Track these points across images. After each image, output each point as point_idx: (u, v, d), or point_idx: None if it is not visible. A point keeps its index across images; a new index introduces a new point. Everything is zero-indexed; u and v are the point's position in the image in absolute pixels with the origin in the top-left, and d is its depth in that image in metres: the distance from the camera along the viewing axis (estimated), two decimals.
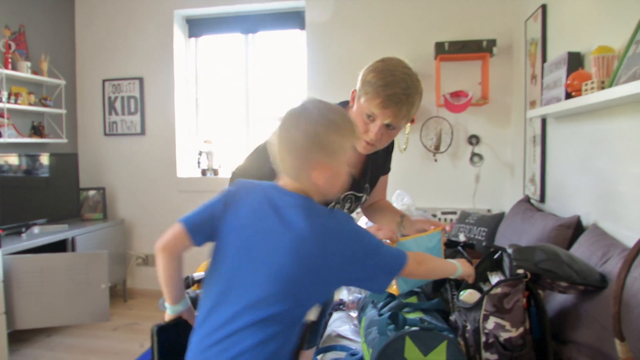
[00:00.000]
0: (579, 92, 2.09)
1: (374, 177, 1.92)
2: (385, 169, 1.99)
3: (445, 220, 3.80)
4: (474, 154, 3.85)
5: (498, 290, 1.43)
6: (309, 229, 1.17)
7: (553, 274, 1.46)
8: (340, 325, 2.29)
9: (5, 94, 3.61)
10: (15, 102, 3.75)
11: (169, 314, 1.40)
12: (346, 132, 1.24)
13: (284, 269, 1.16)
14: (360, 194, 1.87)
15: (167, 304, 1.38)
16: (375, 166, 1.89)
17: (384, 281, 1.24)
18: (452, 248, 2.10)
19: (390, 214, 1.96)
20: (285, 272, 1.16)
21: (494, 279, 1.58)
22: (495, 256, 1.68)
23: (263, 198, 1.26)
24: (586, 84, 1.99)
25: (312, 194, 1.26)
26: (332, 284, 1.26)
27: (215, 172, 4.43)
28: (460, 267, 1.48)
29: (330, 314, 2.41)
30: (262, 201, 1.25)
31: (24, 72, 3.82)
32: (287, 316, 1.17)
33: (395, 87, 1.48)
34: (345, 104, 1.77)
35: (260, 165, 1.89)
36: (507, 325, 1.43)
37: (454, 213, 3.78)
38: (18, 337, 3.50)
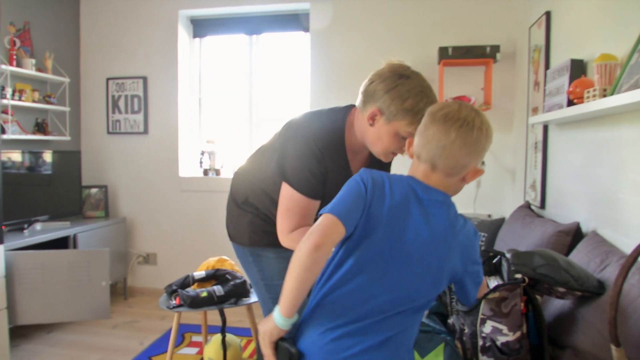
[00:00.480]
0: (581, 100, 2.10)
1: None
2: (386, 169, 2.00)
3: None
4: None
5: (496, 294, 1.45)
6: (453, 226, 1.28)
7: (551, 279, 1.47)
8: None
9: (9, 91, 3.62)
10: (20, 99, 3.77)
11: (282, 327, 1.22)
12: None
13: (434, 262, 1.25)
14: None
15: (281, 314, 1.21)
16: (376, 167, 1.92)
17: (473, 290, 1.37)
18: None
19: None
20: (432, 265, 1.25)
21: (492, 283, 1.59)
22: (494, 261, 1.69)
23: (408, 190, 1.29)
24: (588, 92, 2.00)
25: (450, 191, 1.34)
26: (448, 280, 1.32)
27: (217, 172, 4.44)
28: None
29: None
30: (408, 193, 1.28)
31: (29, 69, 3.84)
32: (427, 305, 1.30)
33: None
34: (347, 109, 1.78)
35: (262, 165, 1.91)
36: (505, 329, 1.44)
37: None
38: (19, 333, 3.52)
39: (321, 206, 1.75)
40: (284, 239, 1.72)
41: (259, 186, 1.91)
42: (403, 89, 1.55)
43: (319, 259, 1.18)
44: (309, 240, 1.17)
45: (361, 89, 1.67)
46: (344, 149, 1.74)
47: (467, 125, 1.25)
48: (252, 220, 1.95)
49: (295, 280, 1.17)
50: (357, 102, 1.71)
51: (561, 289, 1.49)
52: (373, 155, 1.80)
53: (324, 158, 1.68)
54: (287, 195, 1.70)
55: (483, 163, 3.79)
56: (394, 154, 1.69)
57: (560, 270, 1.49)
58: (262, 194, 1.90)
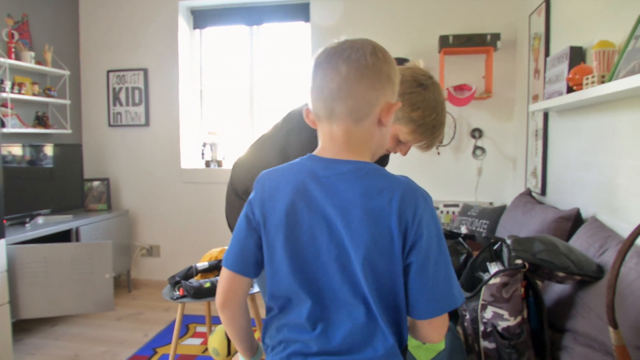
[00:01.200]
0: (580, 87, 2.11)
1: None
2: (384, 162, 2.01)
3: (447, 212, 3.82)
4: (476, 147, 3.86)
5: (497, 280, 1.46)
6: (368, 198, 1.01)
7: (551, 264, 1.48)
8: None
9: (8, 84, 3.62)
10: (19, 92, 3.77)
11: None
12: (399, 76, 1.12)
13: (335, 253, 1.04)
14: None
15: (243, 358, 1.26)
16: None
17: (429, 309, 1.01)
18: (453, 239, 2.13)
19: None
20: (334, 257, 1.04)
21: (493, 269, 1.60)
22: (495, 247, 1.70)
23: (304, 177, 1.07)
24: (587, 78, 2.00)
25: (370, 148, 1.10)
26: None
27: (219, 163, 4.45)
28: None
29: None
30: (303, 181, 1.07)
31: (28, 62, 3.83)
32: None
33: (442, 127, 1.58)
34: None
35: (263, 155, 1.91)
36: (506, 314, 1.45)
37: (456, 206, 3.80)
38: (22, 327, 3.54)
39: None
40: None
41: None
42: (417, 98, 1.52)
43: (232, 316, 1.17)
44: (217, 298, 1.16)
45: None
46: None
47: (357, 53, 1.03)
48: None
49: (230, 333, 1.21)
50: None
51: (561, 274, 1.50)
52: None
53: None
54: None
55: (483, 151, 3.80)
56: (388, 151, 1.69)
57: (560, 255, 1.50)
58: None
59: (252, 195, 1.14)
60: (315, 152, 1.11)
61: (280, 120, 1.89)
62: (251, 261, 1.13)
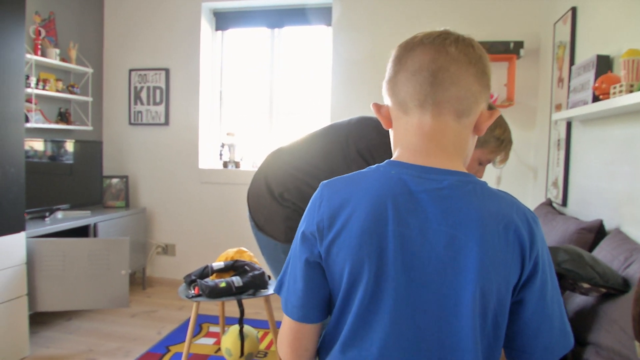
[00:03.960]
0: (606, 96, 2.07)
1: None
2: None
3: None
4: None
5: None
6: (494, 220, 0.82)
7: (576, 274, 1.45)
8: None
9: (34, 80, 3.67)
10: (44, 88, 3.81)
11: None
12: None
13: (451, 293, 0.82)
14: None
15: None
16: None
17: (546, 356, 0.83)
18: None
19: None
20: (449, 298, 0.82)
21: None
22: None
23: (391, 189, 0.84)
24: (614, 87, 1.97)
25: (466, 155, 0.91)
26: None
27: (237, 164, 4.46)
28: None
29: None
30: (387, 195, 0.83)
31: (53, 59, 3.88)
32: None
33: (511, 140, 1.68)
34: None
35: (309, 146, 1.83)
36: None
37: None
38: (39, 320, 3.57)
39: None
40: None
41: (303, 180, 1.79)
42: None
43: None
44: (280, 352, 0.96)
45: None
46: None
47: (465, 41, 0.87)
48: (289, 215, 1.83)
49: None
50: None
51: (586, 285, 1.47)
52: None
53: None
54: None
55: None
56: None
57: (586, 266, 1.47)
58: (307, 189, 1.78)
59: (315, 218, 0.89)
60: (396, 157, 0.90)
61: (345, 126, 1.81)
62: (317, 298, 0.91)
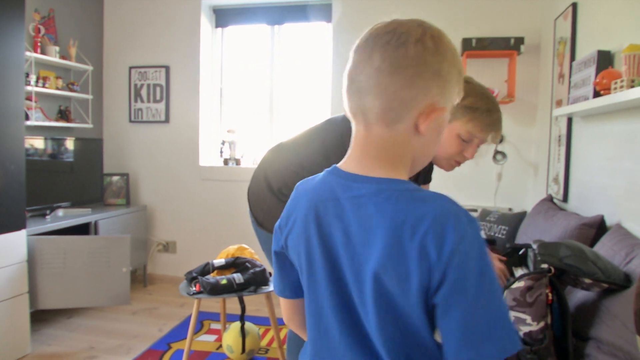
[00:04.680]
0: (607, 91, 2.07)
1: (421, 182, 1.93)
2: (428, 179, 1.98)
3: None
4: (497, 152, 3.83)
5: (521, 283, 1.43)
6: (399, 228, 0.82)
7: (577, 270, 1.45)
8: None
9: (33, 78, 3.66)
10: (44, 86, 3.81)
11: None
12: (461, 71, 0.90)
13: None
14: None
15: None
16: (423, 175, 1.91)
17: (461, 357, 0.78)
18: None
19: None
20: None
21: (519, 274, 1.57)
22: (520, 252, 1.68)
23: (322, 194, 0.93)
24: (616, 83, 1.96)
25: (406, 158, 0.90)
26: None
27: (237, 161, 4.46)
28: None
29: None
30: (318, 200, 0.92)
31: (53, 57, 3.87)
32: None
33: (496, 112, 1.57)
34: None
35: (311, 156, 1.79)
36: (528, 318, 1.43)
37: (475, 210, 3.76)
38: (40, 317, 3.57)
39: None
40: None
41: (302, 175, 1.72)
42: (465, 90, 1.54)
43: (297, 333, 1.13)
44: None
45: None
46: None
47: (399, 40, 0.84)
48: None
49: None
50: None
51: (587, 281, 1.47)
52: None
53: None
54: None
55: (504, 155, 3.76)
56: (457, 163, 1.65)
57: (587, 261, 1.47)
58: None
59: (283, 215, 1.02)
60: (340, 163, 0.94)
61: (339, 120, 1.78)
62: (288, 277, 1.05)
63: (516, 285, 1.44)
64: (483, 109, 1.52)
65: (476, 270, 0.77)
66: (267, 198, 1.89)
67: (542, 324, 1.43)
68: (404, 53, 0.83)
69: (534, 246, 1.54)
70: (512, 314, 1.45)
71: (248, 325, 2.96)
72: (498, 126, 1.56)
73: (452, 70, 0.85)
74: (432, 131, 0.88)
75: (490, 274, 0.79)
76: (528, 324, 1.43)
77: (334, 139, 1.72)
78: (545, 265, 1.46)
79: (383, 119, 0.85)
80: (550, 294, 1.45)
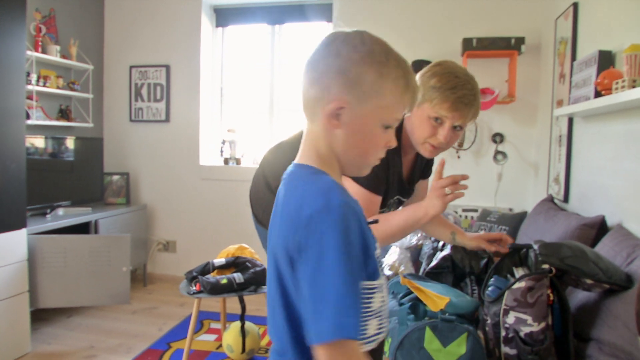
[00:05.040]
0: (609, 91, 2.07)
1: (417, 181, 1.93)
2: (427, 173, 1.99)
3: (466, 217, 3.78)
4: (497, 152, 3.82)
5: (522, 284, 1.43)
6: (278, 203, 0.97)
7: (579, 270, 1.45)
8: None
9: (34, 77, 3.66)
10: (44, 85, 3.81)
11: None
12: (390, 73, 0.93)
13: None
14: (404, 199, 1.89)
15: None
16: (419, 170, 1.91)
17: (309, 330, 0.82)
18: None
19: (441, 227, 1.95)
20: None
21: (519, 274, 1.57)
22: (521, 252, 1.67)
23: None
24: (617, 83, 1.96)
25: (316, 156, 0.98)
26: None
27: (238, 161, 4.45)
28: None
29: None
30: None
31: (53, 56, 3.87)
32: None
33: (463, 89, 1.52)
34: None
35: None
36: (529, 319, 1.43)
37: (475, 211, 3.76)
38: (40, 316, 3.57)
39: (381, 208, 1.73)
40: None
41: None
42: (432, 70, 1.56)
43: None
44: None
45: None
46: (400, 147, 1.72)
47: (318, 45, 0.97)
48: None
49: None
50: None
51: (589, 281, 1.47)
52: (417, 160, 1.83)
53: (386, 156, 1.67)
54: (351, 192, 1.66)
55: (504, 156, 3.76)
56: (432, 146, 1.63)
57: (589, 262, 1.47)
58: None
59: None
60: None
61: None
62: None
63: (517, 285, 1.44)
64: (446, 87, 1.51)
65: (330, 250, 0.82)
66: (266, 195, 1.93)
67: (543, 324, 1.43)
68: (314, 56, 0.95)
69: (535, 246, 1.54)
70: (513, 315, 1.45)
71: (248, 324, 2.96)
72: (465, 103, 1.52)
73: (364, 70, 0.91)
74: (348, 126, 0.93)
75: (334, 256, 0.81)
76: (529, 325, 1.42)
77: None
78: (546, 266, 1.45)
79: (305, 115, 0.98)
80: (551, 295, 1.45)
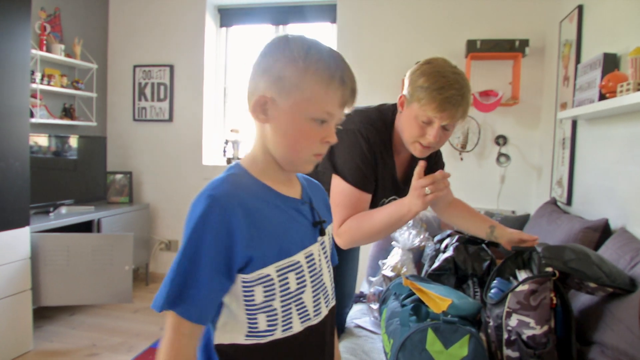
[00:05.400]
0: (613, 94, 2.06)
1: None
2: (439, 166, 1.97)
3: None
4: (500, 154, 3.82)
5: (525, 287, 1.43)
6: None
7: (582, 274, 1.44)
8: (360, 316, 2.30)
9: (38, 75, 3.67)
10: (48, 84, 3.82)
11: None
12: (309, 67, 0.96)
13: None
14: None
15: None
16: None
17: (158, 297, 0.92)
18: (477, 245, 2.10)
19: (478, 221, 1.90)
20: None
21: (522, 276, 1.57)
22: (524, 254, 1.67)
23: None
24: (621, 85, 1.96)
25: (251, 153, 1.05)
26: None
27: None
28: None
29: (350, 308, 2.41)
30: None
31: (58, 55, 3.88)
32: None
33: (450, 89, 1.50)
34: (389, 108, 1.76)
35: None
36: (532, 322, 1.42)
37: None
38: (42, 314, 3.58)
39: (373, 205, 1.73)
40: (337, 238, 1.64)
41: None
42: (419, 71, 1.55)
43: None
44: None
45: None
46: (391, 147, 1.72)
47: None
48: None
49: None
50: None
51: (592, 285, 1.47)
52: (412, 160, 1.81)
53: (374, 154, 1.66)
54: (338, 190, 1.66)
55: (507, 158, 3.75)
56: (422, 146, 1.61)
57: (592, 265, 1.46)
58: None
59: None
60: None
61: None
62: None
63: (520, 288, 1.43)
64: (433, 88, 1.49)
65: (185, 240, 0.89)
66: None
67: (545, 327, 1.42)
68: (254, 59, 1.02)
69: (538, 249, 1.53)
70: (515, 318, 1.45)
71: None
72: (453, 103, 1.50)
73: (283, 66, 0.96)
74: (275, 120, 0.97)
75: (191, 243, 0.88)
76: (531, 328, 1.42)
77: None
78: (549, 269, 1.45)
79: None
80: (554, 298, 1.45)
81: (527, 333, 1.43)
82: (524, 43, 3.53)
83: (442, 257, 2.11)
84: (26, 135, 3.03)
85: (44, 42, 3.79)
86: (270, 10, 4.47)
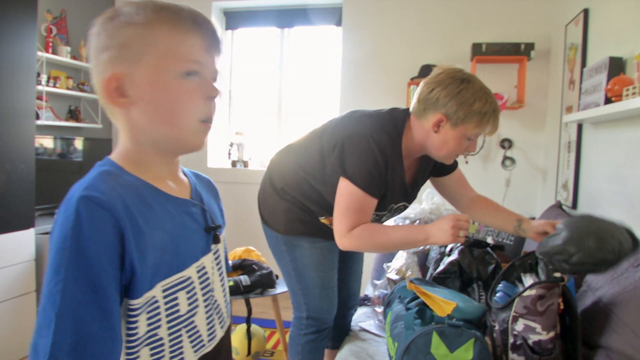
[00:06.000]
0: (619, 98, 2.06)
1: (421, 185, 1.94)
2: (443, 171, 1.99)
3: (474, 223, 3.76)
4: (505, 158, 3.81)
5: (533, 292, 1.42)
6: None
7: (589, 266, 1.43)
8: (364, 320, 2.30)
9: (44, 77, 3.69)
10: (54, 86, 3.83)
11: None
12: (153, 20, 0.81)
13: None
14: (409, 204, 1.91)
15: None
16: (423, 174, 1.92)
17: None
18: (481, 249, 2.09)
19: (505, 216, 1.92)
20: None
21: (528, 281, 1.56)
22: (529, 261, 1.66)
23: None
24: (627, 89, 1.95)
25: (130, 149, 0.85)
26: None
27: (246, 164, 4.46)
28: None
29: (355, 310, 2.41)
30: None
31: (64, 57, 3.90)
32: None
33: (494, 105, 1.62)
34: (406, 113, 1.77)
35: (310, 156, 1.86)
36: (538, 327, 1.42)
37: None
38: None
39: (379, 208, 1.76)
40: (343, 239, 1.67)
41: (304, 177, 1.86)
42: (468, 94, 1.58)
43: None
44: None
45: (418, 97, 1.69)
46: (401, 152, 1.73)
47: None
48: (289, 208, 1.91)
49: None
50: (413, 109, 1.72)
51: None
52: (420, 160, 1.85)
53: (386, 160, 1.67)
54: (347, 192, 1.67)
55: (513, 161, 3.74)
56: (457, 155, 1.73)
57: (596, 250, 1.44)
58: (306, 185, 1.86)
59: None
60: None
61: (338, 119, 1.84)
62: None
63: (528, 293, 1.43)
64: (489, 110, 1.59)
65: (50, 262, 0.72)
66: (271, 196, 1.98)
67: (552, 333, 1.42)
68: None
69: (539, 256, 1.53)
70: (522, 322, 1.44)
71: (254, 327, 2.96)
72: (497, 124, 1.65)
73: (122, 32, 0.80)
74: (140, 96, 0.80)
75: (63, 269, 0.71)
76: (538, 333, 1.42)
77: (329, 138, 1.76)
78: (558, 274, 1.44)
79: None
80: (561, 304, 1.44)
81: (533, 338, 1.43)
82: (530, 46, 3.53)
83: (447, 260, 2.10)
84: (32, 137, 3.04)
85: (50, 44, 3.80)
86: (276, 13, 4.48)
